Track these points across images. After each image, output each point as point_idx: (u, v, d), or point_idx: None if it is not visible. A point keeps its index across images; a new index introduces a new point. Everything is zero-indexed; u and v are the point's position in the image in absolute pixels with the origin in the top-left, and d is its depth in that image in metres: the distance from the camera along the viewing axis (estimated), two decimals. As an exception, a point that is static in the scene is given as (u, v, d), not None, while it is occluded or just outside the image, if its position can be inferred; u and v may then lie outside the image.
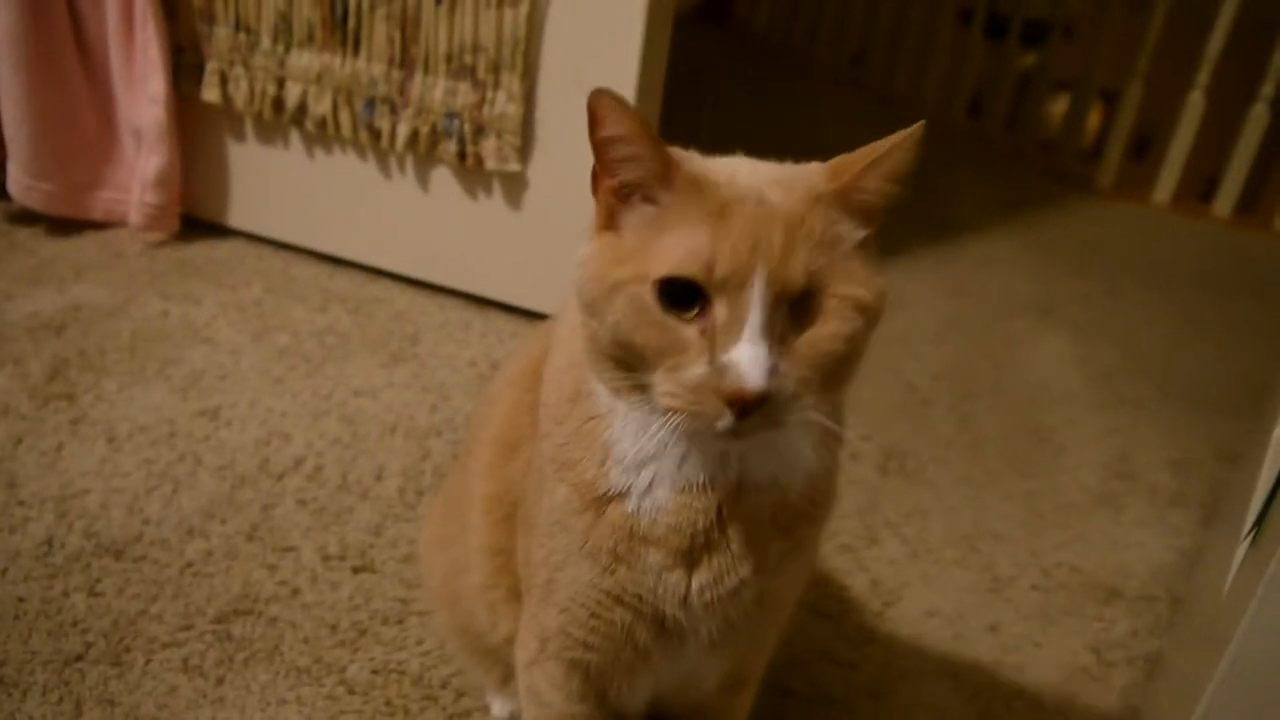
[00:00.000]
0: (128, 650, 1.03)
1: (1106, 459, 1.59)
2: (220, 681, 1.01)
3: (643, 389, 0.62)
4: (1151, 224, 2.70)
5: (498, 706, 1.00)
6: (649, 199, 0.63)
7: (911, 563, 1.30)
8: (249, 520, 1.22)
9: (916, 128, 0.63)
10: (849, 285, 0.61)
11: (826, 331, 0.60)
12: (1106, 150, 2.86)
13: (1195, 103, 2.71)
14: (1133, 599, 1.29)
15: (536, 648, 0.78)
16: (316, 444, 1.36)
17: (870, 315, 0.62)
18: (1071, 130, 2.93)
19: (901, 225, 2.37)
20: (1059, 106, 3.03)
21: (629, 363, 0.62)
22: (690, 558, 0.68)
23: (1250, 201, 2.77)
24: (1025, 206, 2.64)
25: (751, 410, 0.57)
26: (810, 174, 0.64)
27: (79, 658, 1.01)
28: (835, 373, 0.62)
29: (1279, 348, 1.91)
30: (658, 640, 0.73)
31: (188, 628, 1.06)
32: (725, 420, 0.58)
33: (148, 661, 1.02)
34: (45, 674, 0.99)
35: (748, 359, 0.57)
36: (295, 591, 1.12)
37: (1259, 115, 2.67)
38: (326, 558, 1.18)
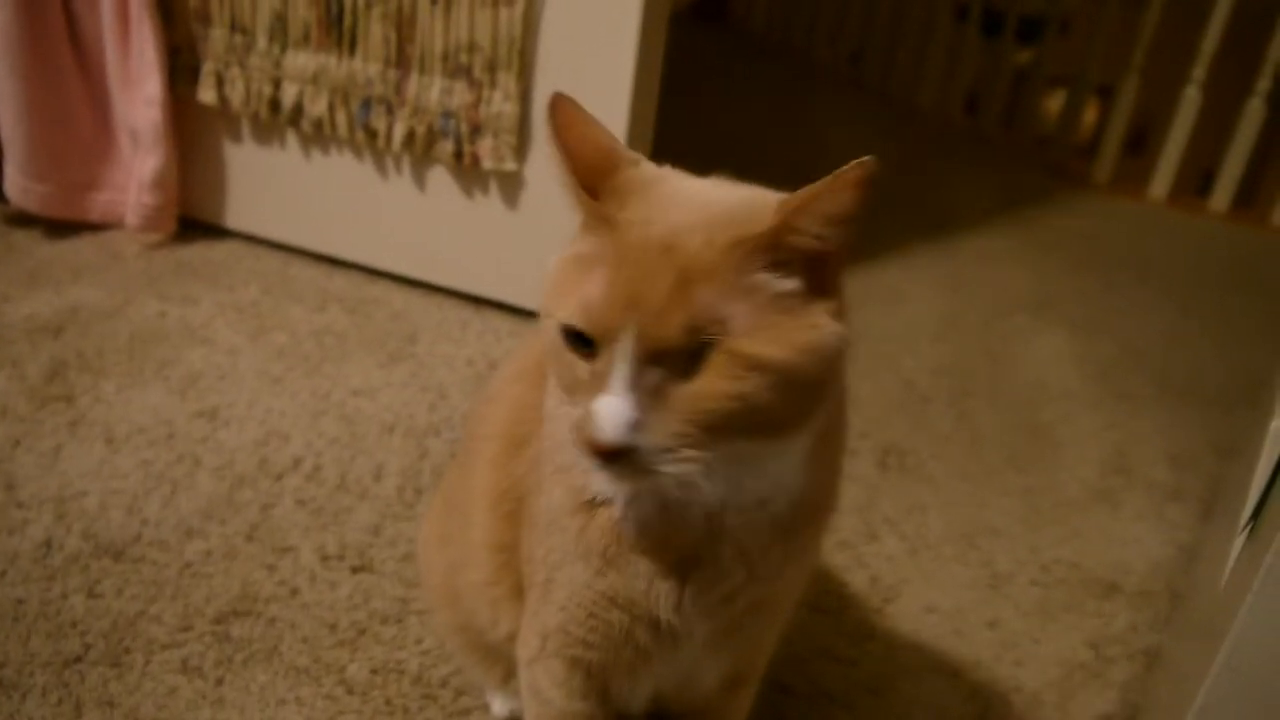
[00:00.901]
0: (127, 651, 1.03)
1: (1104, 454, 1.59)
2: (220, 682, 1.01)
3: None
4: (1148, 219, 2.70)
5: (498, 705, 1.00)
6: (588, 231, 0.63)
7: (910, 559, 1.30)
8: (248, 520, 1.22)
9: (856, 166, 0.58)
10: (755, 341, 0.58)
11: (708, 388, 0.58)
12: (1103, 146, 2.86)
13: (1191, 98, 2.71)
14: (1131, 594, 1.29)
15: (538, 645, 0.78)
16: (315, 444, 1.36)
17: (779, 373, 0.58)
18: (1068, 126, 2.93)
19: (899, 222, 2.38)
20: (1055, 102, 3.02)
21: None
22: (681, 568, 0.69)
23: (1247, 196, 2.77)
24: (1022, 202, 2.64)
25: (611, 460, 0.58)
26: (753, 213, 0.60)
27: (78, 659, 1.02)
28: (727, 427, 0.59)
29: (1276, 342, 1.91)
30: (656, 641, 0.73)
31: (187, 628, 1.06)
32: (594, 464, 0.59)
33: (147, 662, 1.02)
34: (45, 676, 0.99)
35: (604, 411, 0.58)
36: (294, 591, 1.13)
37: (1255, 110, 2.67)
38: (325, 557, 1.18)
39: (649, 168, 0.66)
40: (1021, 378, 1.80)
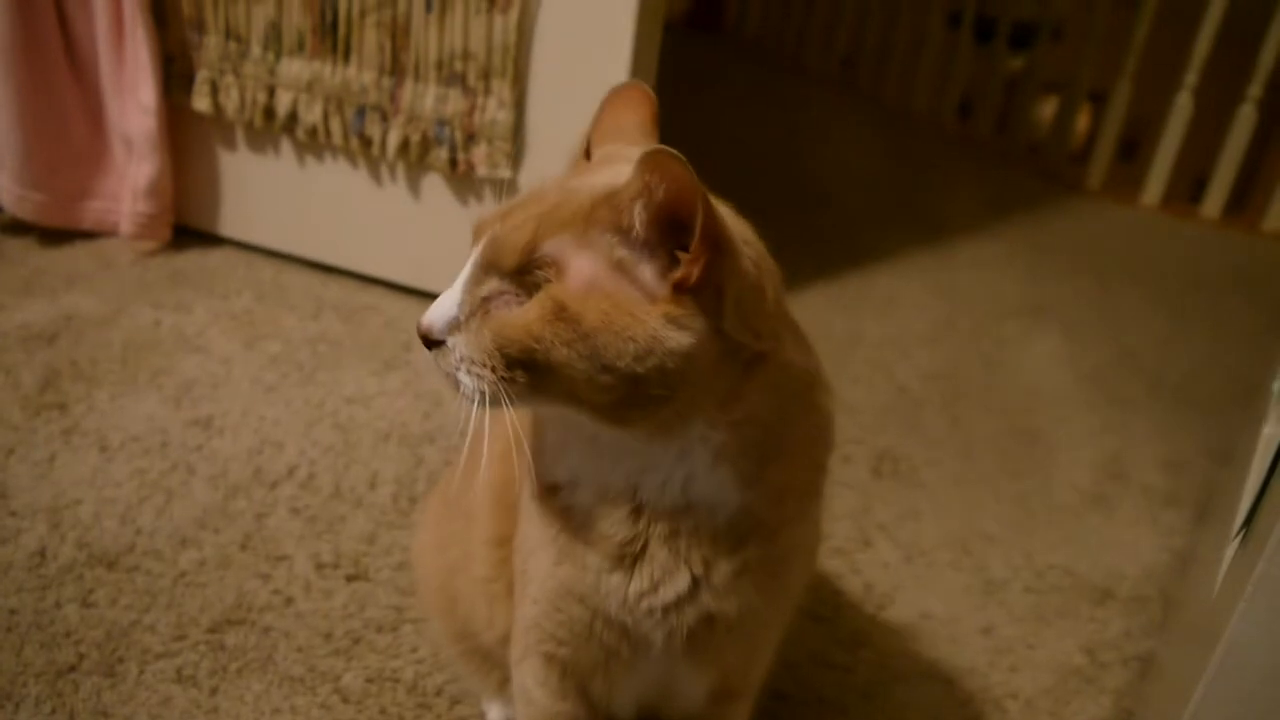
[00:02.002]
0: (121, 661, 1.03)
1: (1098, 459, 1.59)
2: (214, 692, 1.01)
3: None
4: (1141, 225, 2.71)
5: (495, 711, 1.00)
6: None
7: (905, 565, 1.30)
8: (242, 529, 1.21)
9: (654, 150, 0.56)
10: (575, 296, 0.59)
11: (516, 318, 0.61)
12: (1095, 152, 2.87)
13: (1183, 104, 2.72)
14: (1125, 599, 1.30)
15: (522, 643, 0.79)
16: (309, 452, 1.36)
17: (581, 337, 0.59)
18: (1061, 132, 2.94)
19: (892, 227, 2.39)
20: (1048, 108, 3.03)
21: None
22: (625, 562, 0.70)
23: (1239, 202, 2.79)
24: (1015, 208, 2.65)
25: (427, 347, 0.64)
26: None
27: (72, 669, 1.01)
28: (522, 365, 0.61)
29: (1268, 347, 1.92)
30: (622, 641, 0.73)
31: (181, 638, 1.06)
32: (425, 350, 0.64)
33: (141, 672, 1.02)
34: (38, 686, 0.99)
35: (439, 301, 0.63)
36: (289, 600, 1.12)
37: (1246, 116, 2.68)
38: (320, 566, 1.17)
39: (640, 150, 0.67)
40: (1015, 383, 1.80)
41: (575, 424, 0.65)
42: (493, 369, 0.61)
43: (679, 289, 0.60)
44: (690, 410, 0.63)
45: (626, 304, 0.60)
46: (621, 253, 0.60)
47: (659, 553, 0.69)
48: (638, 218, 0.59)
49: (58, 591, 1.10)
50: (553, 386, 0.61)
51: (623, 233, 0.60)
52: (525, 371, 0.61)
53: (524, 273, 0.61)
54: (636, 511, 0.68)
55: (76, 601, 1.09)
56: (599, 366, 0.59)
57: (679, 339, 0.60)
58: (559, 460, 0.70)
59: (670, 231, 0.59)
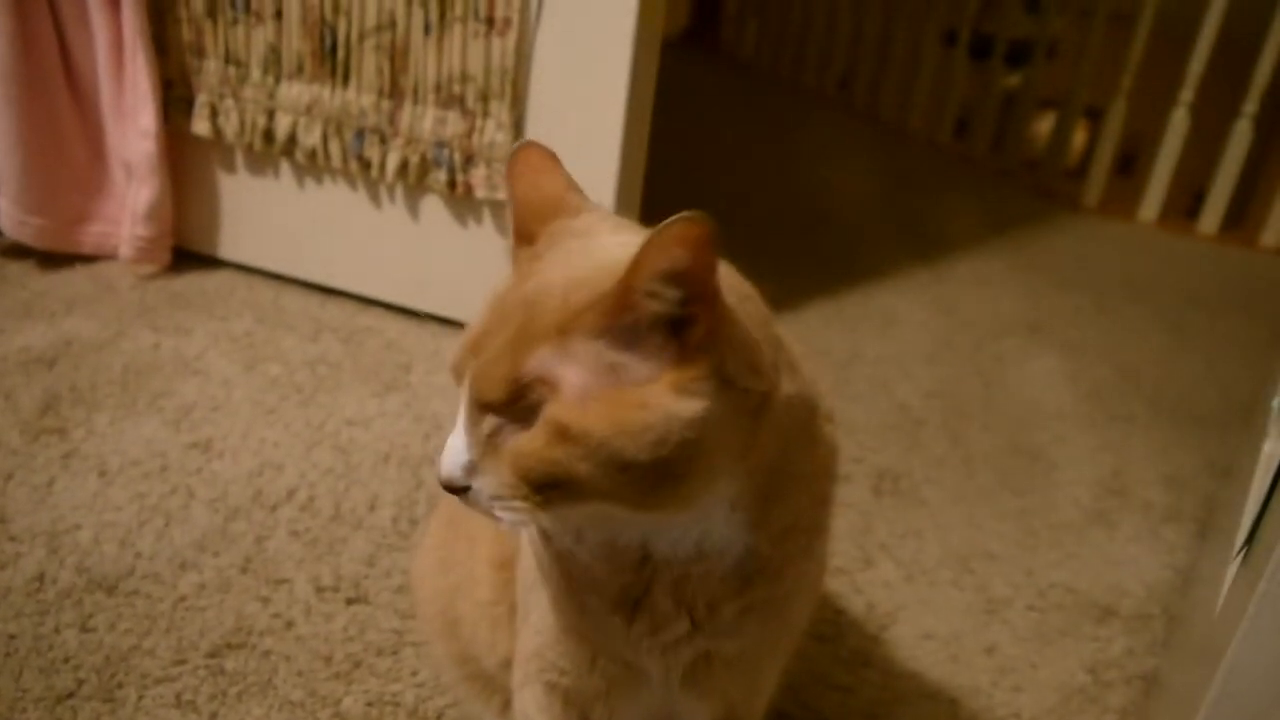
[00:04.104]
0: (120, 686, 1.02)
1: (1099, 476, 1.59)
2: (214, 716, 1.01)
3: None
4: (1139, 241, 2.72)
5: (495, 736, 0.99)
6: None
7: (907, 585, 1.30)
8: (242, 552, 1.21)
9: (682, 220, 0.53)
10: (576, 410, 0.56)
11: (526, 447, 0.57)
12: (1092, 168, 2.88)
13: (1179, 120, 2.73)
14: (1128, 617, 1.29)
15: (523, 670, 0.79)
16: (309, 475, 1.36)
17: (595, 448, 0.56)
18: (1057, 149, 2.95)
19: (890, 245, 2.39)
20: (1044, 125, 3.04)
21: None
22: (626, 605, 0.69)
23: (1236, 218, 2.79)
24: (1013, 225, 2.65)
25: (453, 494, 0.61)
26: (614, 274, 0.57)
27: (70, 695, 1.01)
28: (553, 488, 0.58)
29: (1267, 362, 1.92)
30: (623, 672, 0.73)
31: (181, 662, 1.06)
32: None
33: (140, 698, 1.01)
34: (37, 712, 0.99)
35: (446, 449, 0.60)
36: (289, 624, 1.12)
37: (1243, 132, 2.69)
38: (320, 589, 1.17)
39: (586, 219, 0.65)
40: (1015, 400, 1.80)
41: (605, 515, 0.62)
42: (524, 497, 0.59)
43: (683, 354, 0.57)
44: (714, 473, 0.61)
45: (630, 398, 0.57)
46: (611, 354, 0.57)
47: (661, 599, 0.68)
48: (646, 305, 0.56)
49: (56, 616, 1.09)
50: (586, 494, 0.58)
51: (611, 332, 0.57)
52: (555, 490, 0.58)
53: (516, 401, 0.58)
54: (642, 563, 0.67)
55: (75, 626, 1.09)
56: (620, 467, 0.56)
57: (693, 407, 0.57)
58: (563, 528, 0.69)
59: (666, 302, 0.56)
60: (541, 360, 0.57)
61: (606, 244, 0.62)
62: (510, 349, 0.58)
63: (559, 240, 0.63)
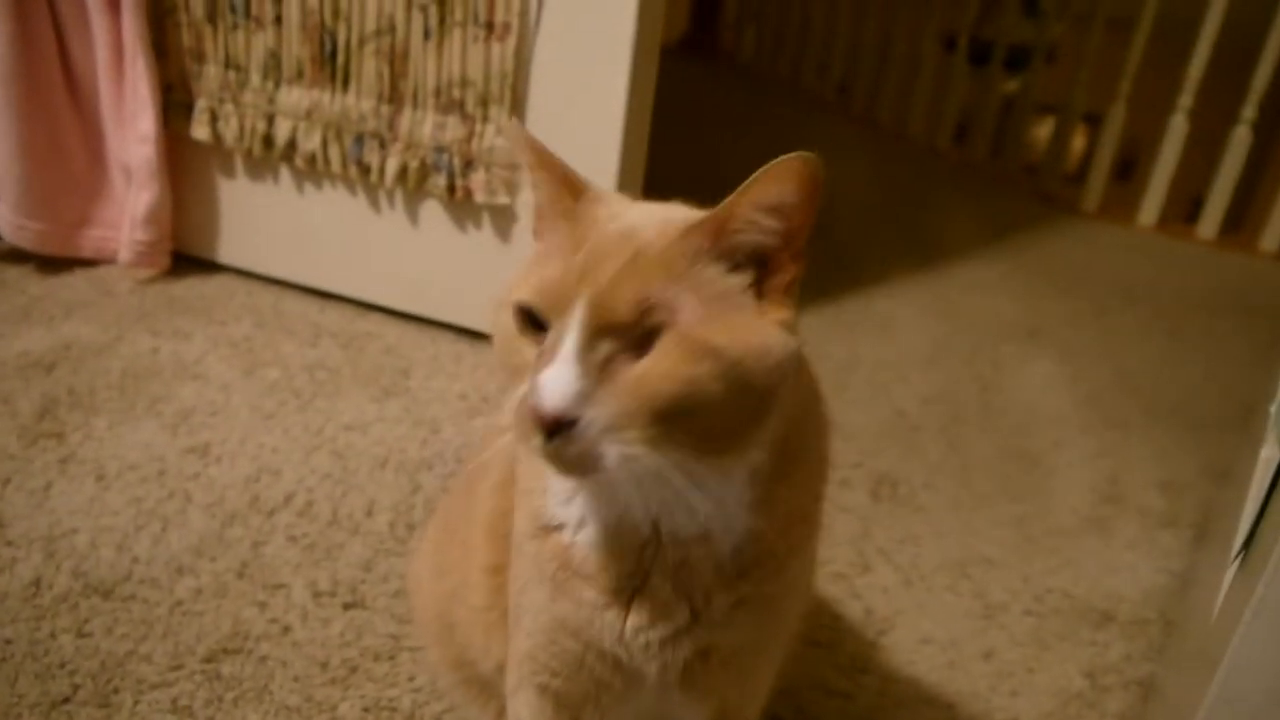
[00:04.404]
0: (116, 691, 1.02)
1: (1096, 481, 1.59)
2: (210, 722, 1.00)
3: None
4: (1137, 245, 2.72)
5: (491, 742, 0.99)
6: (548, 225, 0.66)
7: (905, 590, 1.30)
8: (239, 557, 1.21)
9: (792, 158, 0.58)
10: (710, 328, 0.58)
11: (659, 370, 0.57)
12: (1091, 173, 2.88)
13: (1178, 126, 2.74)
14: (1125, 623, 1.29)
15: (516, 674, 0.79)
16: (307, 479, 1.36)
17: (729, 365, 0.57)
18: (1056, 154, 2.95)
19: (889, 250, 2.39)
20: (1043, 130, 3.05)
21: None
22: (624, 597, 0.69)
23: (1235, 222, 2.79)
24: (1012, 230, 2.65)
25: (556, 432, 0.56)
26: (699, 213, 0.62)
27: (66, 700, 1.01)
28: (673, 416, 0.57)
29: (1265, 367, 1.91)
30: (614, 674, 0.73)
31: (177, 667, 1.06)
32: (535, 441, 0.57)
33: (136, 703, 1.01)
34: (32, 717, 0.98)
35: (549, 379, 0.57)
36: (286, 629, 1.12)
37: (1241, 137, 2.69)
38: (317, 594, 1.17)
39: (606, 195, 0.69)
40: (1012, 405, 1.80)
41: (679, 465, 0.60)
42: (640, 428, 0.57)
43: (774, 295, 0.61)
44: (771, 421, 0.63)
45: (747, 323, 0.59)
46: (721, 281, 0.60)
47: (661, 586, 0.68)
48: (746, 234, 0.60)
49: (53, 621, 1.09)
50: (689, 429, 0.58)
51: (717, 257, 0.60)
52: (666, 422, 0.57)
53: (640, 323, 0.58)
54: (644, 545, 0.67)
55: (72, 632, 1.08)
56: (743, 390, 0.58)
57: (794, 343, 0.61)
58: (568, 503, 0.70)
59: (765, 233, 0.60)
60: (664, 287, 0.58)
61: (657, 206, 0.67)
62: (630, 271, 0.58)
63: (605, 202, 0.66)
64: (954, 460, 1.60)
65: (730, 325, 0.59)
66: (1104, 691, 1.18)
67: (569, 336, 0.57)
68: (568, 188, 0.65)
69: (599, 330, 0.58)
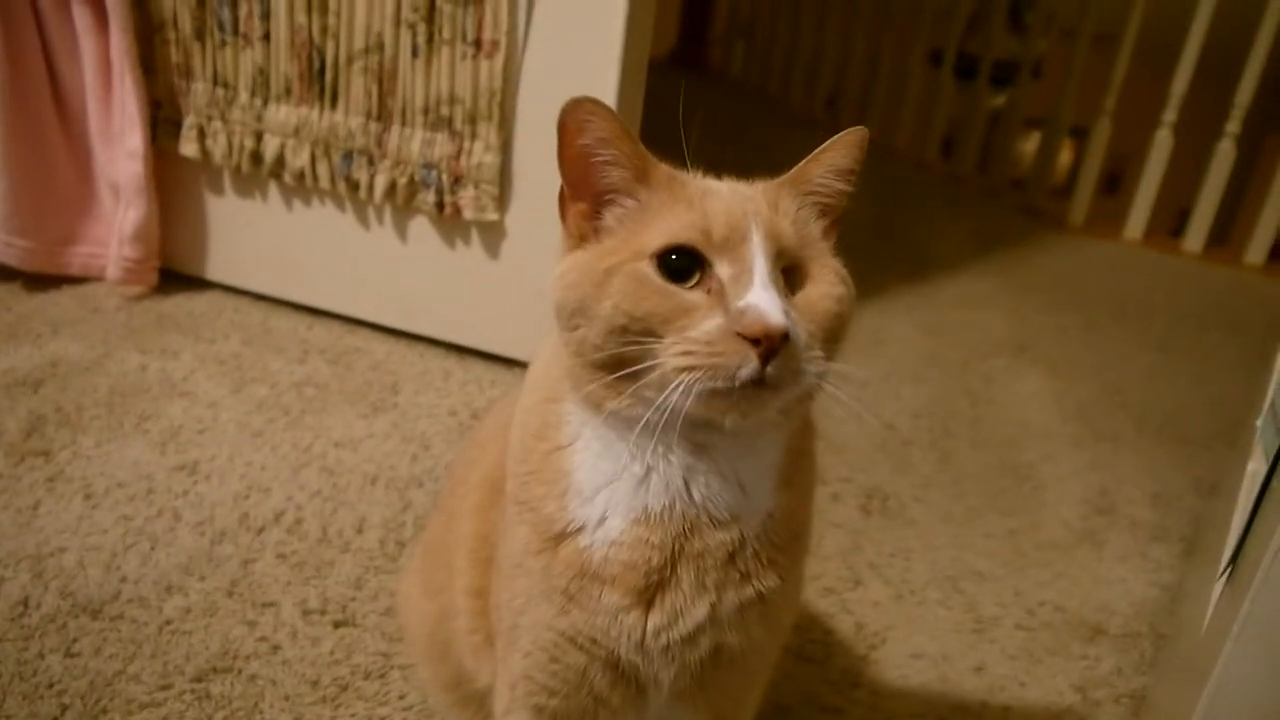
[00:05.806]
0: (105, 712, 1.01)
1: (1086, 494, 1.59)
2: (199, 742, 1.00)
3: (635, 379, 0.62)
4: (1124, 259, 2.74)
5: (484, 760, 0.99)
6: (630, 197, 0.67)
7: (896, 604, 1.30)
8: (228, 576, 1.20)
9: (857, 130, 0.69)
10: (828, 259, 0.68)
11: (820, 291, 0.65)
12: (1078, 187, 2.90)
13: (1163, 140, 2.76)
14: (1116, 636, 1.29)
15: (508, 696, 0.78)
16: (296, 497, 1.35)
17: (851, 291, 0.67)
18: (1043, 168, 2.97)
19: (877, 265, 2.40)
20: (1030, 145, 3.07)
21: (626, 349, 0.62)
22: (646, 596, 0.69)
23: (1220, 236, 2.82)
24: (999, 244, 2.67)
25: (776, 351, 0.59)
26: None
27: (55, 721, 1.00)
28: (832, 337, 0.64)
29: (1253, 379, 1.93)
30: (616, 687, 0.73)
31: (166, 687, 1.05)
32: (750, 366, 0.59)
33: (125, 723, 1.01)
34: (20, 739, 0.98)
35: (766, 299, 0.60)
36: (275, 648, 1.11)
37: (1225, 151, 2.72)
38: (307, 612, 1.16)
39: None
40: (1002, 419, 1.80)
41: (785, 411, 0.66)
42: (819, 347, 0.63)
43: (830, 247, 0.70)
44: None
45: (833, 258, 0.69)
46: (816, 221, 0.70)
47: (685, 576, 0.68)
48: (816, 193, 0.69)
49: (40, 641, 1.09)
50: (829, 353, 0.65)
51: (806, 204, 0.69)
52: (831, 342, 0.65)
53: (796, 253, 0.65)
54: (677, 536, 0.68)
55: (60, 651, 1.08)
56: (850, 317, 0.67)
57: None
58: (592, 498, 0.69)
59: (831, 195, 0.70)
60: (797, 220, 0.67)
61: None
62: (773, 210, 0.66)
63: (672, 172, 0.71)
64: (945, 474, 1.60)
65: (832, 259, 0.68)
66: (1095, 705, 1.18)
67: (757, 261, 0.62)
68: (648, 159, 0.69)
69: (777, 256, 0.63)
